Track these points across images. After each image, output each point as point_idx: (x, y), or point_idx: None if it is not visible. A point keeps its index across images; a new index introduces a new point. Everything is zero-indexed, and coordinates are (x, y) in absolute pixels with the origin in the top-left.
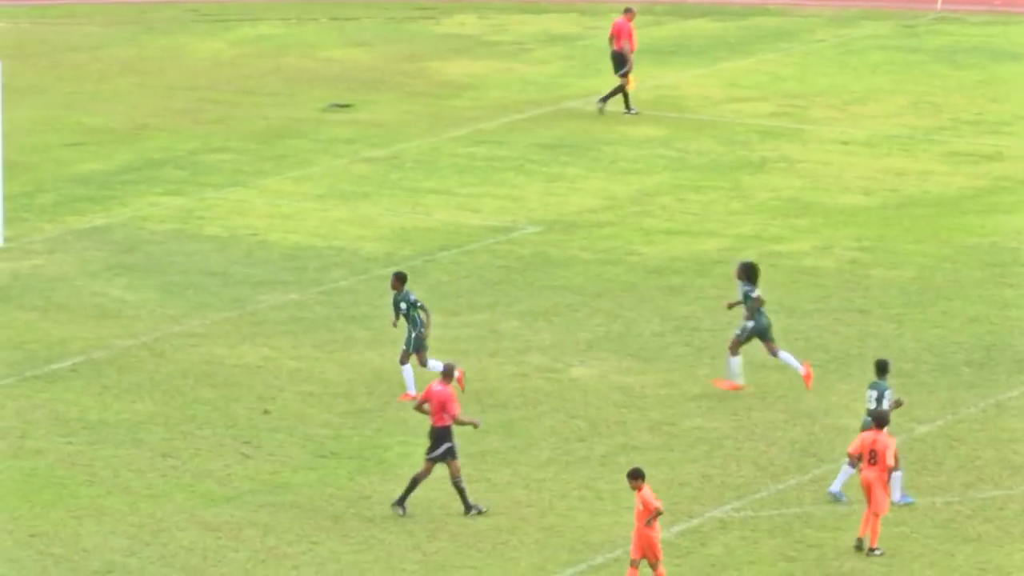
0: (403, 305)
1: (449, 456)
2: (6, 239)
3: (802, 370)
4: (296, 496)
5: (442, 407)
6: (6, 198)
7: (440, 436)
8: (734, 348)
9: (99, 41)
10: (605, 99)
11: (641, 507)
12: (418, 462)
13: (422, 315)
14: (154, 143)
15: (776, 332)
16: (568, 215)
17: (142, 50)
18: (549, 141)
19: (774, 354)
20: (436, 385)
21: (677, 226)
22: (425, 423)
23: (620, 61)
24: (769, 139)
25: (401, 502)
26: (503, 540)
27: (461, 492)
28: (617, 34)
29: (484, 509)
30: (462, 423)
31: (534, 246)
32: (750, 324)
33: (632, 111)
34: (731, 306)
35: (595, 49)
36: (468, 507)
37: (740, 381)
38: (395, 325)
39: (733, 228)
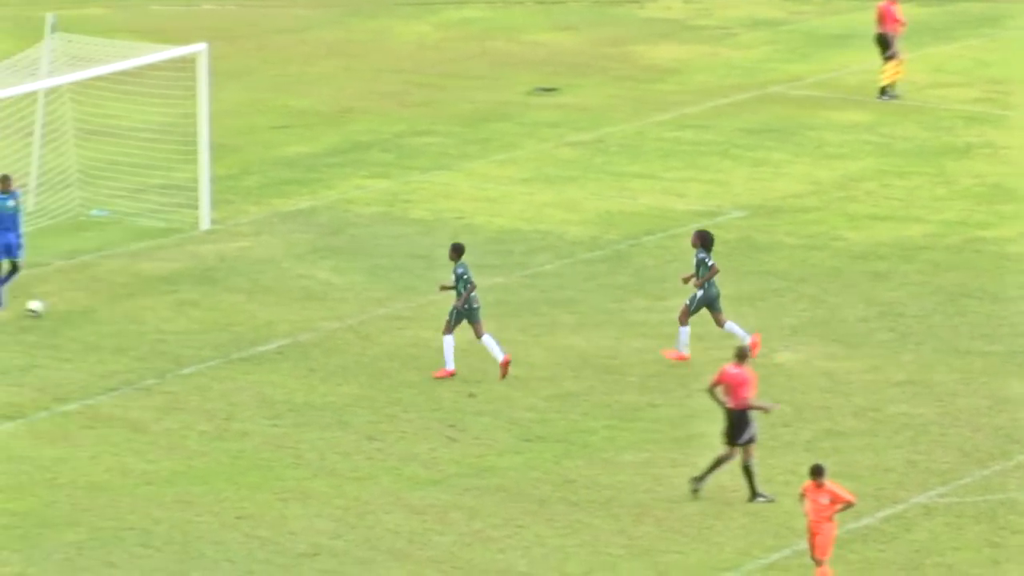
0: (452, 277)
1: (748, 440)
2: (213, 221)
3: (749, 339)
4: (501, 480)
5: (735, 389)
6: (213, 180)
7: (739, 420)
8: (683, 318)
9: (305, 24)
10: (884, 88)
11: (828, 501)
12: (624, 446)
13: (462, 289)
14: (360, 126)
15: (980, 319)
16: (773, 200)
17: (348, 33)
18: (754, 126)
19: (721, 325)
20: (731, 367)
21: (882, 211)
22: (633, 407)
23: (885, 44)
24: (974, 125)
25: (701, 479)
26: (708, 525)
27: (750, 477)
28: (881, 18)
29: (772, 498)
30: (753, 408)
31: (739, 231)
32: (700, 293)
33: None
34: (686, 280)
35: (800, 34)
36: (755, 494)
37: (686, 352)
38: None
39: (937, 214)
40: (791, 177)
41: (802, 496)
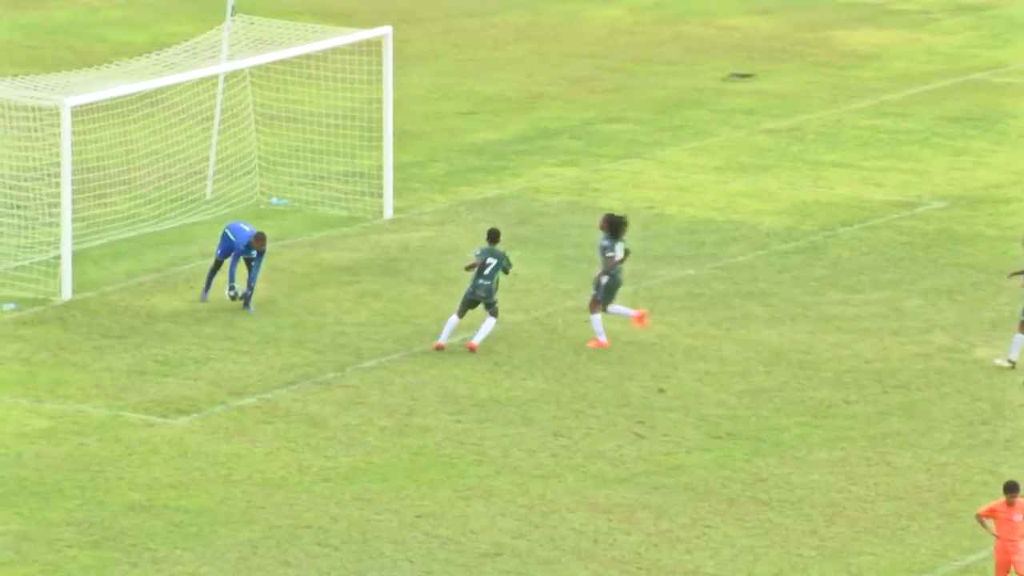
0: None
1: None
2: (396, 210)
3: (634, 312)
4: (690, 478)
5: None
6: (396, 168)
7: None
8: (593, 308)
9: (493, 7)
10: None
11: (1022, 518)
12: (816, 444)
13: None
14: (549, 112)
15: None
16: (973, 190)
17: (537, 16)
18: (955, 114)
19: (597, 312)
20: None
21: None
22: (827, 404)
23: None
24: None
25: None
26: (903, 526)
27: None
28: None
29: None
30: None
31: (939, 222)
32: (605, 280)
33: None
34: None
35: (1004, 19)
36: None
37: (604, 339)
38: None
39: None
40: (992, 167)
41: (982, 518)
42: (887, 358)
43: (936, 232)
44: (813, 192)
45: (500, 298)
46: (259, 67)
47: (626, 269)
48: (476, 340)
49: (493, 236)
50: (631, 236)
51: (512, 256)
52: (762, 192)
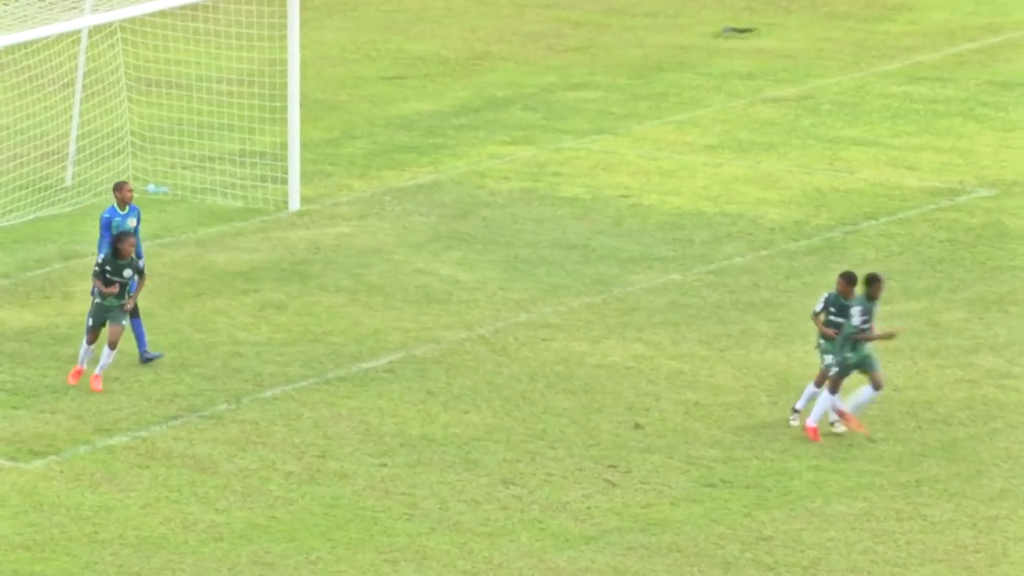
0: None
1: None
2: (305, 200)
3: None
4: (676, 536)
5: None
6: (305, 147)
7: None
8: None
9: None
10: None
11: None
12: (834, 493)
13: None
14: (497, 77)
15: None
16: None
17: None
18: (1008, 78)
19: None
20: None
21: None
22: (847, 442)
23: None
24: None
25: None
26: None
27: None
28: None
29: None
30: None
31: (987, 214)
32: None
33: None
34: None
35: None
36: None
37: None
38: None
39: None
40: None
41: None
42: (922, 385)
43: (983, 227)
44: (829, 177)
45: (435, 311)
46: (132, 21)
47: (591, 274)
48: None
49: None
50: (602, 232)
51: (451, 258)
52: (765, 177)
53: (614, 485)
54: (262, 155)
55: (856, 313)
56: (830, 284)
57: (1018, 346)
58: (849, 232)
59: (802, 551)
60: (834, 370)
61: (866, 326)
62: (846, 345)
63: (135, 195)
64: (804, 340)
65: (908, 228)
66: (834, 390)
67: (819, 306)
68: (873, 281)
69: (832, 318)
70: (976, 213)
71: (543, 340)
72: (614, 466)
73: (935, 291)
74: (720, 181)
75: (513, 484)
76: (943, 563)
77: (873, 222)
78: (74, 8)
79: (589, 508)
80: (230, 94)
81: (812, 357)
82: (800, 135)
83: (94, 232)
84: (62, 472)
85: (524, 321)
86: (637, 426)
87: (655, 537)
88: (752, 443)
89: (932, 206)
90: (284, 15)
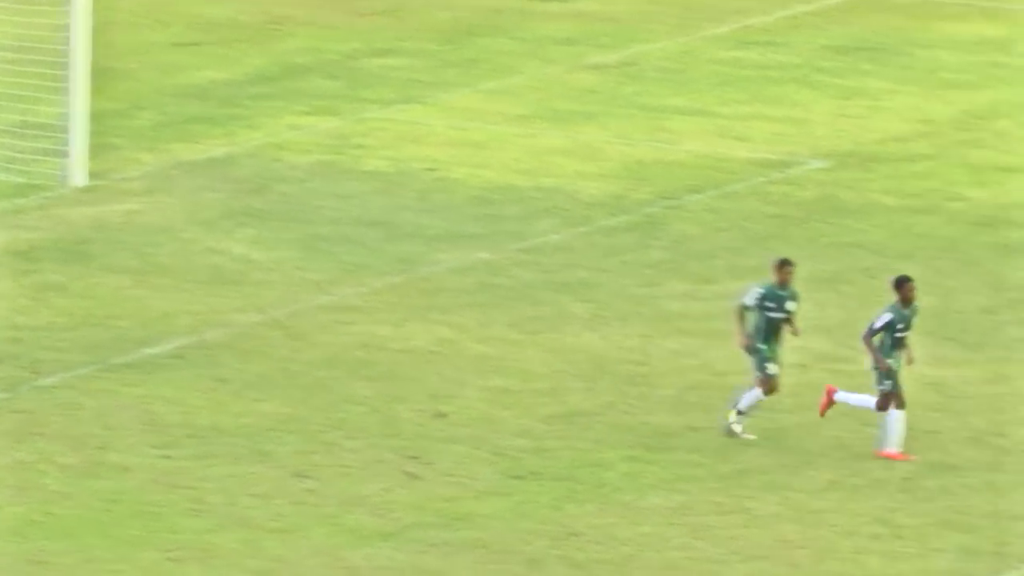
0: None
1: None
2: (91, 174)
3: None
4: (480, 532)
5: None
6: (90, 119)
7: None
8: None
9: None
10: None
11: None
12: (650, 485)
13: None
14: (296, 43)
15: None
16: (867, 145)
17: None
18: (844, 42)
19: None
20: None
21: (1018, 161)
22: (665, 432)
23: None
24: None
25: None
26: None
27: None
28: None
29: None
30: None
31: (820, 187)
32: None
33: None
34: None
35: None
36: None
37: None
38: None
39: None
40: (893, 113)
41: None
42: (747, 371)
43: (816, 201)
44: (652, 149)
45: (227, 292)
46: None
47: (394, 253)
48: None
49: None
50: (408, 208)
51: (244, 236)
52: (583, 148)
53: (415, 478)
54: (44, 127)
55: (881, 320)
56: (652, 262)
57: (850, 328)
58: (672, 207)
59: (615, 547)
60: (887, 383)
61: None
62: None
63: None
64: (622, 322)
65: (735, 202)
66: (885, 406)
67: (879, 323)
68: (904, 283)
69: (898, 335)
70: (808, 186)
71: (342, 324)
72: (415, 457)
73: (763, 270)
74: (534, 153)
75: (307, 477)
76: (766, 559)
77: (698, 196)
78: None
79: (388, 502)
80: (8, 62)
81: (630, 340)
82: (621, 104)
83: None
84: None
85: (323, 304)
86: (440, 415)
87: (458, 533)
88: (563, 432)
89: (762, 179)
90: None
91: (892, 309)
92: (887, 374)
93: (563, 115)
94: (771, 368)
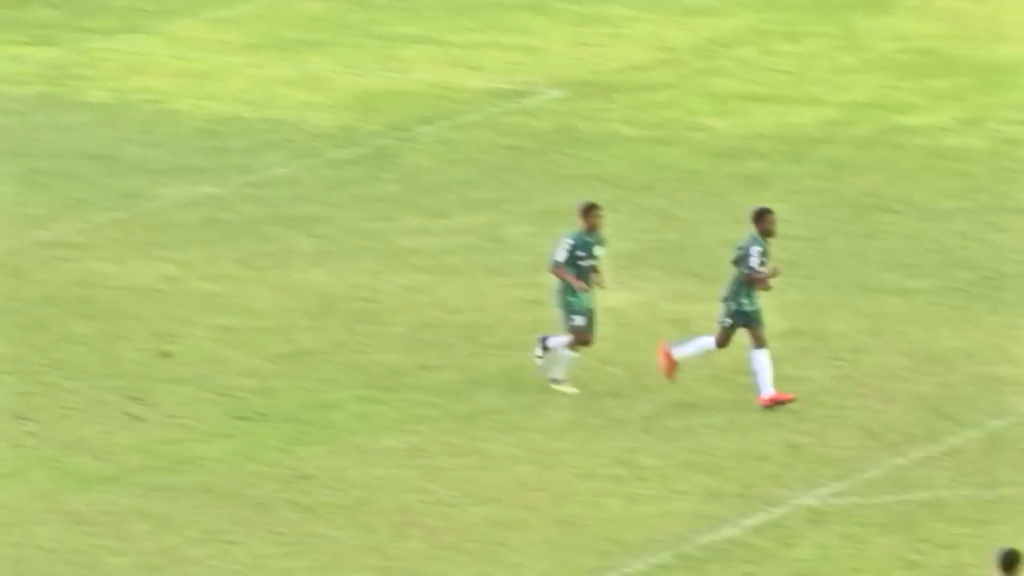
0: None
1: None
2: None
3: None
4: (206, 475)
5: None
6: None
7: None
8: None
9: None
10: None
11: None
12: (382, 427)
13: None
14: None
15: (900, 242)
16: (606, 74)
17: None
18: None
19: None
20: None
21: (762, 90)
22: (397, 371)
23: None
24: None
25: None
26: (501, 539)
27: None
28: None
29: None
30: None
31: (557, 118)
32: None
33: None
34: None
35: None
36: None
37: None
38: None
39: (842, 93)
40: (633, 41)
41: None
42: (483, 307)
43: (553, 132)
44: (382, 78)
45: None
46: None
47: (116, 187)
48: None
49: None
50: (130, 141)
51: None
52: (310, 78)
53: (138, 419)
54: None
55: (755, 254)
56: (383, 196)
57: None
58: (403, 139)
59: (346, 490)
60: (728, 322)
61: (764, 269)
62: (741, 291)
63: None
64: (351, 258)
65: (469, 134)
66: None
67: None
68: (764, 214)
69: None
70: (545, 117)
71: (62, 260)
72: (138, 399)
73: (498, 203)
74: (261, 84)
75: (26, 419)
76: (502, 502)
77: (430, 127)
78: None
79: (110, 445)
80: None
81: (360, 277)
82: (351, 32)
83: None
84: None
85: (42, 240)
86: (164, 354)
87: (183, 476)
88: (292, 372)
89: (496, 109)
90: None
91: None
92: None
93: (290, 44)
94: (578, 320)
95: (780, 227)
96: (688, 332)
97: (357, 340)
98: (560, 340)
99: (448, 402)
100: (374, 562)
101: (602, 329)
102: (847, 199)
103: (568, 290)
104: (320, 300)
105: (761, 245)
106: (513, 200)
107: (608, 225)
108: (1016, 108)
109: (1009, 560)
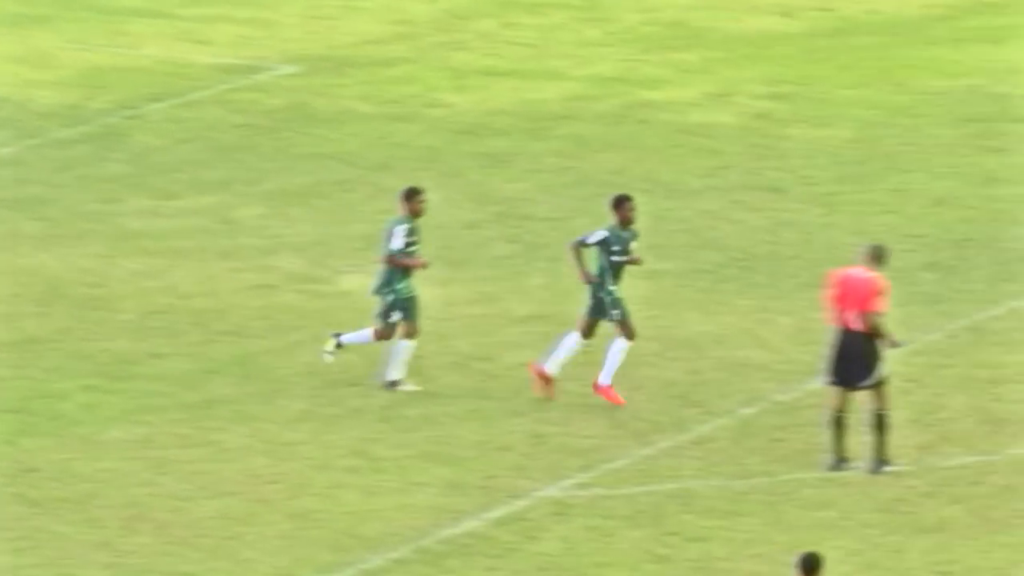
0: None
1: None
2: None
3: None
4: None
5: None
6: None
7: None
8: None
9: None
10: None
11: None
12: (110, 417)
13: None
14: None
15: (649, 222)
16: (341, 48)
17: None
18: None
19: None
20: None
21: (503, 64)
22: (126, 359)
23: None
24: None
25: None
26: (234, 533)
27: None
28: None
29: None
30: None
31: (290, 94)
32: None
33: None
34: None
35: None
36: (880, 463)
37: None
38: None
39: (586, 67)
40: (369, 14)
41: None
42: (214, 292)
43: (286, 109)
44: (110, 54)
45: None
46: None
47: None
48: None
49: None
50: None
51: None
52: (34, 54)
53: None
54: None
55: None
56: (110, 176)
57: (324, 246)
58: (131, 117)
59: (74, 484)
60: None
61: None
62: (608, 278)
63: None
64: (78, 241)
65: (198, 111)
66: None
67: (592, 238)
68: (624, 201)
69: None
70: (278, 93)
71: None
72: None
73: (229, 183)
74: None
75: None
76: (236, 495)
77: (158, 105)
78: None
79: None
80: None
81: (87, 261)
82: (76, 7)
83: None
84: None
85: None
86: None
87: None
88: (16, 361)
89: (226, 86)
90: None
91: (609, 229)
92: (612, 302)
93: (13, 19)
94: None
95: (522, 207)
96: (427, 318)
97: (84, 327)
98: (364, 335)
99: (179, 391)
100: (103, 558)
101: (334, 315)
102: (591, 177)
103: (398, 277)
104: (46, 285)
105: (611, 232)
106: (244, 180)
107: (343, 206)
108: (766, 82)
109: (809, 564)
